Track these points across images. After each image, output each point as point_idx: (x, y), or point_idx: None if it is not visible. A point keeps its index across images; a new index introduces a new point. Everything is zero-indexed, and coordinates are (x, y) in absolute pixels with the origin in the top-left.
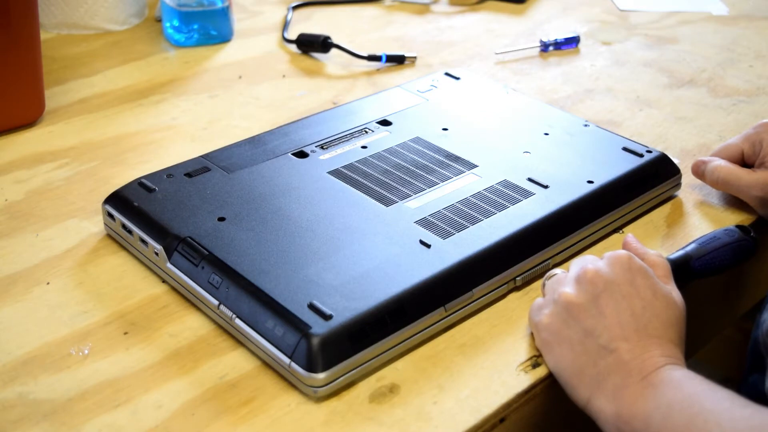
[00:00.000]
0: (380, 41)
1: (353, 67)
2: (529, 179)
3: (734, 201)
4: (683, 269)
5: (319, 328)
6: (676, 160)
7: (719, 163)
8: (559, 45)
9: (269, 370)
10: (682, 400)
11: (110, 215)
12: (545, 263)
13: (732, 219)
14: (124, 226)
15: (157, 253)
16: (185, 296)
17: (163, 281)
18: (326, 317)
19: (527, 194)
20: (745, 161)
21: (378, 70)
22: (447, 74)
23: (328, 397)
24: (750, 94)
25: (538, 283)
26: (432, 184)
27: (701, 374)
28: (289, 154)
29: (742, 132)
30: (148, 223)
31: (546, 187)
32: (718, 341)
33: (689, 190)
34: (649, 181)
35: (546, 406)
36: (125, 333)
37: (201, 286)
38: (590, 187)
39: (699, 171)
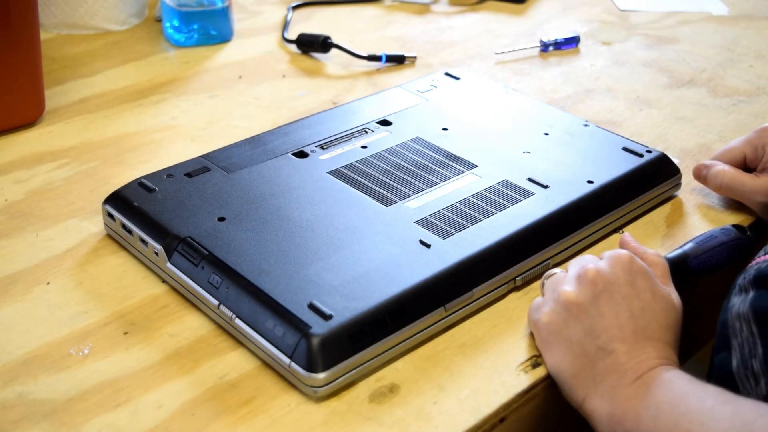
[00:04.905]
0: (380, 41)
1: (353, 67)
2: (529, 179)
3: (734, 201)
4: (680, 268)
5: (319, 328)
6: (676, 160)
7: (722, 167)
8: (559, 45)
9: (269, 370)
10: (671, 399)
11: (110, 215)
12: (545, 263)
13: (732, 219)
14: (124, 226)
15: (157, 253)
16: (185, 296)
17: (163, 281)
18: (326, 317)
19: (527, 194)
20: (747, 165)
21: (378, 70)
22: (447, 74)
23: (328, 397)
24: (750, 94)
25: (537, 283)
26: (432, 184)
27: (699, 374)
28: (289, 154)
29: (742, 133)
30: (148, 223)
31: (546, 187)
32: None
33: (689, 190)
34: (649, 181)
35: (546, 406)
36: (125, 333)
37: (201, 286)
38: (590, 187)
39: (701, 175)
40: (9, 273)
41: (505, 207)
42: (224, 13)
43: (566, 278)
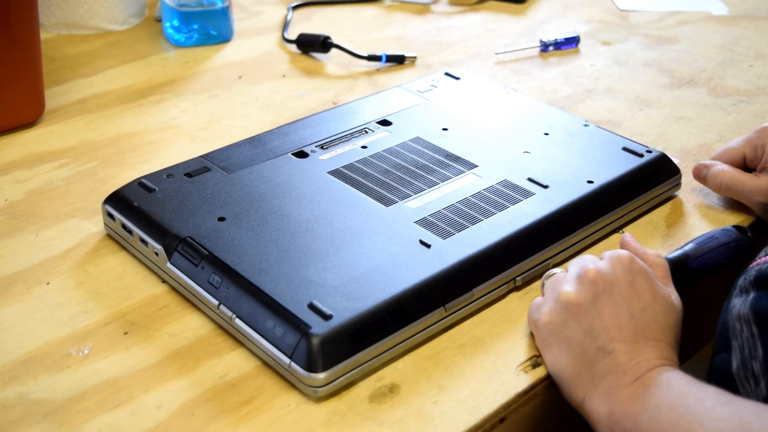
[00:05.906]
0: (380, 41)
1: (353, 67)
2: (529, 179)
3: (734, 201)
4: (681, 269)
5: (319, 328)
6: (676, 160)
7: (722, 167)
8: (559, 45)
9: (269, 370)
10: (670, 400)
11: (110, 215)
12: (545, 263)
13: (732, 219)
14: (124, 226)
15: (157, 253)
16: (185, 296)
17: (163, 281)
18: (326, 317)
19: (527, 194)
20: (746, 165)
21: (378, 70)
22: (447, 74)
23: (328, 397)
24: (750, 94)
25: (537, 283)
26: (432, 184)
27: (700, 374)
28: (289, 154)
29: (742, 133)
30: (148, 223)
31: (546, 187)
32: None
33: (689, 190)
34: (649, 181)
35: (546, 406)
36: (125, 333)
37: (201, 286)
38: (590, 187)
39: (701, 175)
40: (9, 273)
41: (505, 207)
42: (224, 13)
43: (566, 278)
